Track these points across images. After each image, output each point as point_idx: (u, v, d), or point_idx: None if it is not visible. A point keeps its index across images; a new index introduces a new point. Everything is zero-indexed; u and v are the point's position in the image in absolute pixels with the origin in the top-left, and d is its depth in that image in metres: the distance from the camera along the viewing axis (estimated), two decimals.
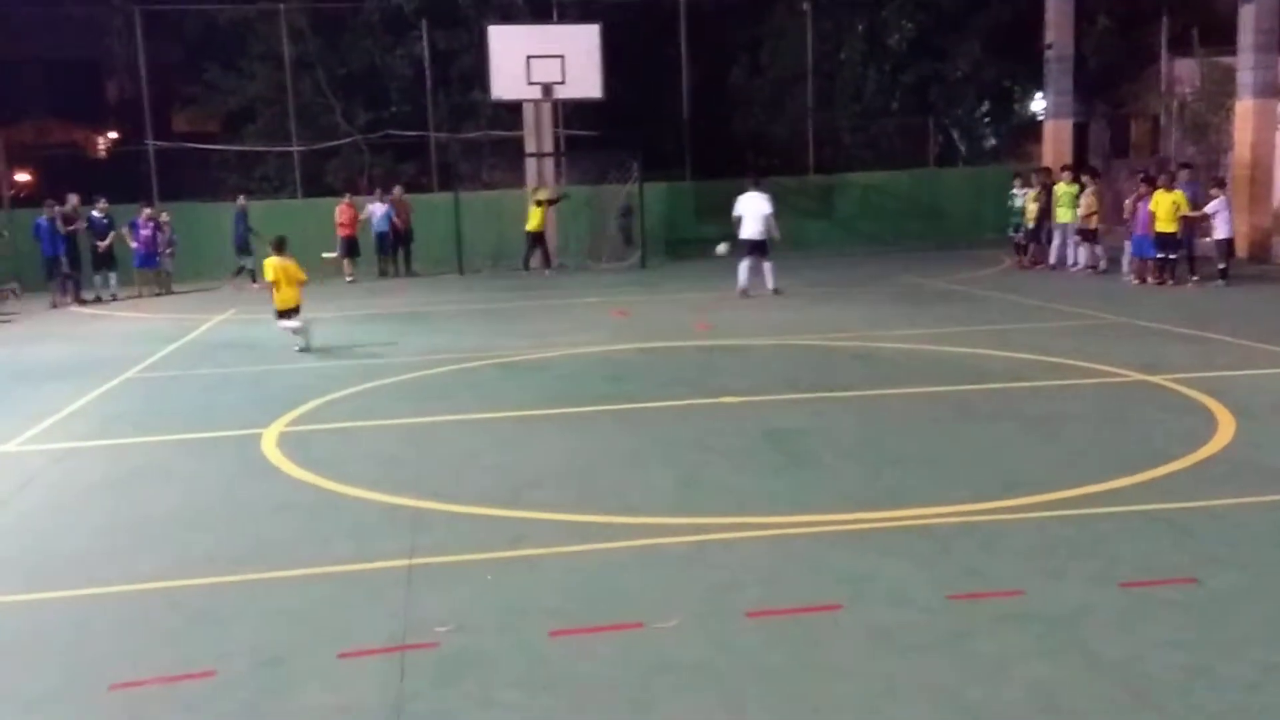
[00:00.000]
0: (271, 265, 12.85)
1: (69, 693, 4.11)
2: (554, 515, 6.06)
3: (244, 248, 21.56)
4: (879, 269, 20.37)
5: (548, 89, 22.02)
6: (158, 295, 20.57)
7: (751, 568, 5.18)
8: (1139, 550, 5.22)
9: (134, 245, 20.49)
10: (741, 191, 17.01)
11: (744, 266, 16.47)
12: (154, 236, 20.79)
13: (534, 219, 22.06)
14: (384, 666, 4.23)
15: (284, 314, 12.83)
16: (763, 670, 4.10)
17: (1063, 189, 19.03)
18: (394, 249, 22.68)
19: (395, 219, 22.46)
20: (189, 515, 6.38)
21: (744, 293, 16.36)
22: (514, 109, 23.65)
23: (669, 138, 25.79)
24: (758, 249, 16.49)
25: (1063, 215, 19.01)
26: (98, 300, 19.83)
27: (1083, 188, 18.62)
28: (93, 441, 8.43)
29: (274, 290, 12.84)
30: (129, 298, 20.08)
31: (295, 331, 12.77)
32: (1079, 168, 21.00)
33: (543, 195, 22.25)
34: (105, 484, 7.20)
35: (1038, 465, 6.85)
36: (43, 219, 19.40)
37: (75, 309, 19.00)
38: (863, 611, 4.60)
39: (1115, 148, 29.07)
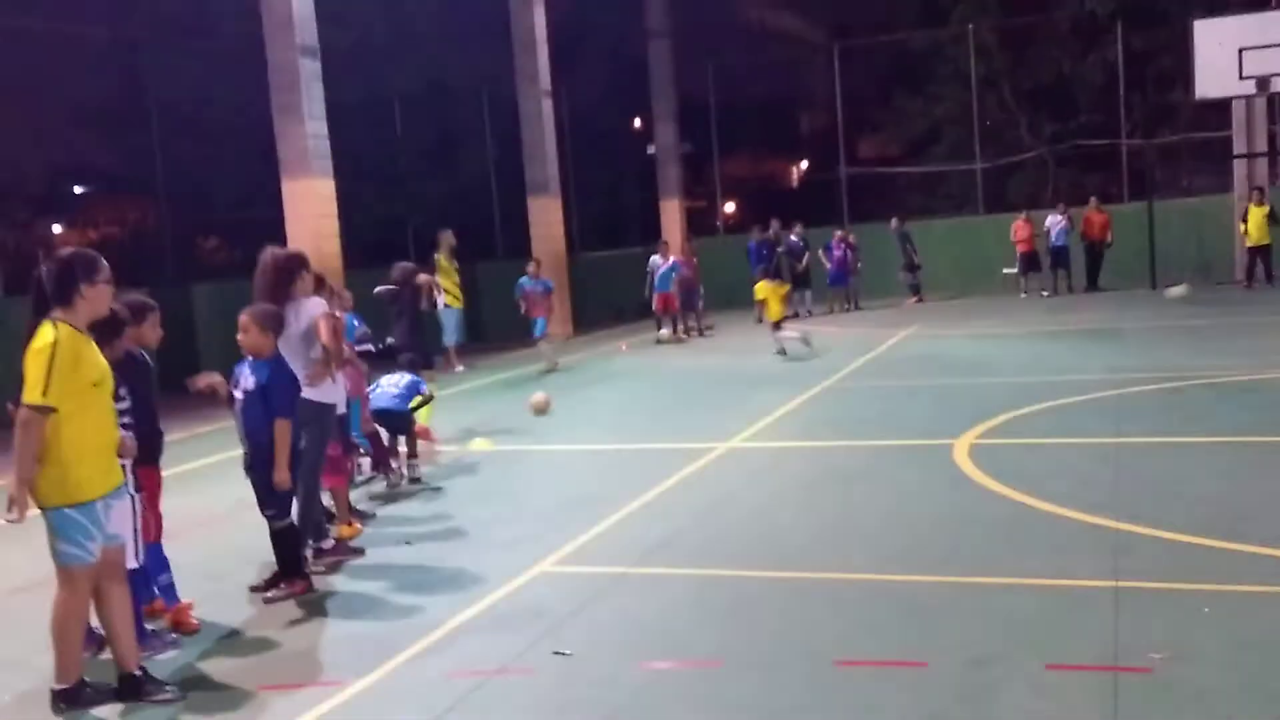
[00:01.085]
0: (762, 288, 15.68)
1: (800, 662, 4.59)
2: (1277, 552, 5.46)
3: (910, 266, 22.39)
4: None
5: (1264, 82, 19.74)
6: (847, 311, 22.03)
7: None
8: None
9: (828, 265, 22.17)
10: None
11: None
12: (845, 257, 22.30)
13: (1256, 230, 19.92)
14: (1095, 684, 4.14)
15: (777, 325, 15.40)
16: None
17: None
18: (1091, 261, 21.88)
19: (1084, 231, 21.73)
20: (891, 516, 6.76)
21: None
22: (1220, 108, 21.59)
23: None
24: None
25: None
26: (796, 315, 21.72)
27: None
28: (802, 442, 9.28)
29: (765, 307, 15.72)
30: (823, 314, 21.74)
31: (786, 339, 15.14)
32: None
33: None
34: (816, 481, 7.90)
35: None
36: (753, 241, 21.73)
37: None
38: None
39: None
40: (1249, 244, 20.11)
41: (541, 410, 10.55)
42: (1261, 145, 21.37)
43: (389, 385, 8.75)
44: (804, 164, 42.19)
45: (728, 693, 4.35)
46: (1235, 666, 4.19)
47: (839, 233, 22.74)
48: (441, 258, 16.45)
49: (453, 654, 4.96)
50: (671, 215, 26.79)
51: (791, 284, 21.92)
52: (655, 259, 19.63)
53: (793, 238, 22.19)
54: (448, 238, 16.59)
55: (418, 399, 8.80)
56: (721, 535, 6.62)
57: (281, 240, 12.89)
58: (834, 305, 22.38)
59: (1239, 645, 4.39)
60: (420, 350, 9.89)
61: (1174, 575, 5.24)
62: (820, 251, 22.18)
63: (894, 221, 22.87)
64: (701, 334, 19.85)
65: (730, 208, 39.35)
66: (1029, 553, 5.79)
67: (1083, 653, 4.42)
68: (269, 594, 5.94)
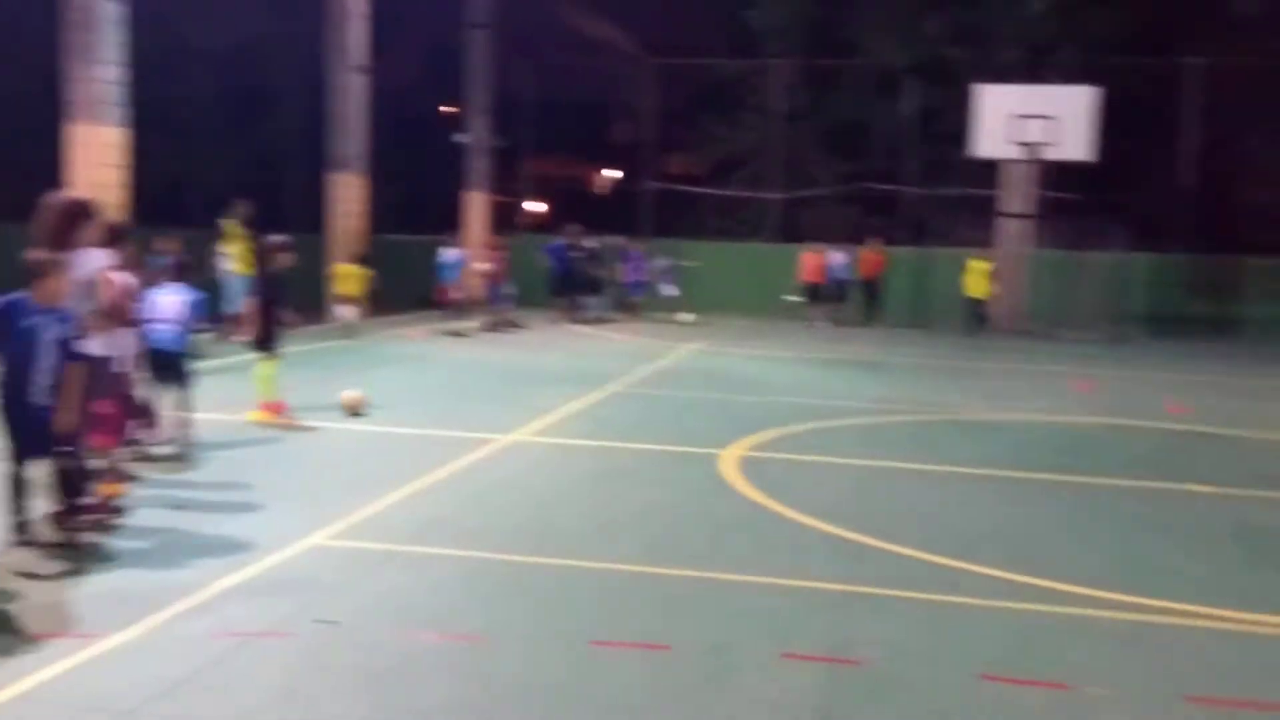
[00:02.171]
0: (343, 269, 17.99)
1: (558, 641, 4.88)
2: (991, 570, 6.14)
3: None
4: None
5: (1032, 149, 21.55)
6: (641, 321, 22.63)
7: (1198, 657, 5.00)
8: None
9: (626, 275, 22.74)
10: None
11: None
12: (642, 268, 22.93)
13: (977, 284, 21.88)
14: (818, 673, 4.61)
15: (343, 300, 17.68)
16: None
17: None
18: (867, 298, 23.28)
19: (861, 269, 23.12)
20: (656, 515, 7.17)
21: None
22: (992, 167, 23.40)
23: (1162, 207, 24.25)
24: None
25: None
26: (589, 320, 22.16)
27: None
28: (581, 440, 9.60)
29: (342, 284, 17.81)
30: (616, 321, 22.25)
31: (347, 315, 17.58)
32: None
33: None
34: (590, 477, 8.24)
35: None
36: (558, 243, 22.03)
37: (570, 326, 21.36)
38: None
39: None
40: (967, 294, 22.00)
41: (356, 409, 10.37)
42: (1027, 206, 23.26)
43: (164, 308, 8.19)
44: (613, 172, 42.84)
45: (489, 666, 4.59)
46: (940, 664, 4.75)
47: (637, 244, 23.40)
48: (232, 224, 16.04)
49: (215, 616, 5.00)
50: (475, 208, 26.76)
51: (586, 289, 22.48)
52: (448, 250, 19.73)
53: (589, 244, 22.58)
54: (241, 206, 16.23)
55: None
56: (494, 521, 6.85)
57: (56, 187, 12.24)
58: (627, 314, 22.93)
59: (946, 647, 4.97)
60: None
61: (899, 584, 5.83)
62: (618, 263, 22.72)
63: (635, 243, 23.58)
64: (498, 329, 19.94)
65: (539, 208, 39.57)
66: (774, 555, 6.29)
67: (811, 645, 4.90)
68: (70, 524, 5.87)
